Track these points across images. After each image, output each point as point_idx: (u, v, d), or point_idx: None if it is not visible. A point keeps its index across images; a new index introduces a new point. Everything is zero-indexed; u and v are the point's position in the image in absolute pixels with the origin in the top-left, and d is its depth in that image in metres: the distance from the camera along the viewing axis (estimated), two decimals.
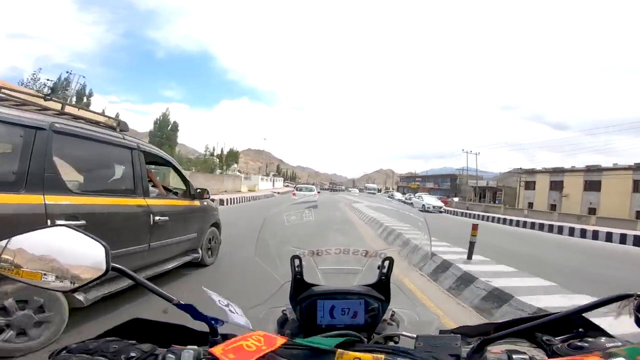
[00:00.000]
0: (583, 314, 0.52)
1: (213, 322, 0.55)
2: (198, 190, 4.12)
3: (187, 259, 3.85)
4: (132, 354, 0.49)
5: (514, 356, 0.51)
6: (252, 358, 0.44)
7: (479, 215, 23.45)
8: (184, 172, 4.27)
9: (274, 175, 66.93)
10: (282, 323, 0.79)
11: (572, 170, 32.98)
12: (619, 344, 0.47)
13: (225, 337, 0.55)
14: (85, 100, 32.02)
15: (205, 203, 4.35)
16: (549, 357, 0.51)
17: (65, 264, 0.50)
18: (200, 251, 4.12)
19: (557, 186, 33.70)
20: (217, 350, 0.45)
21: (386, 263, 0.78)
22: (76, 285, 0.50)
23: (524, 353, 0.52)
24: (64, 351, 0.49)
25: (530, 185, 36.65)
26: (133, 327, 0.57)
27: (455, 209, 28.30)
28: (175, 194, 4.16)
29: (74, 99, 29.90)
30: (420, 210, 21.75)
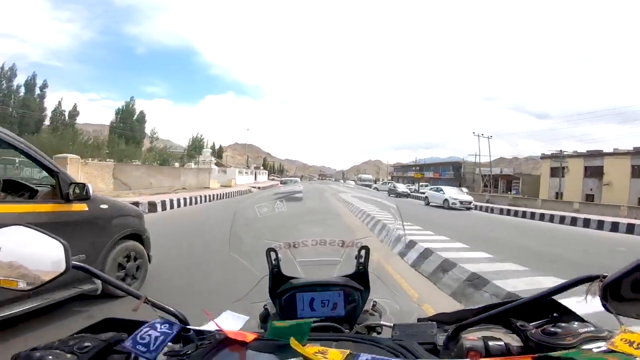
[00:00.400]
0: (555, 299, 0.56)
1: (181, 316, 0.57)
2: (74, 187, 2.61)
3: (69, 293, 2.51)
4: (92, 344, 0.49)
5: (489, 343, 0.52)
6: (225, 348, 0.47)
7: (509, 210, 17.79)
8: (50, 160, 2.59)
9: (256, 168, 63.43)
10: (264, 318, 0.78)
11: (616, 154, 27.21)
12: (592, 328, 0.49)
13: (198, 332, 0.56)
14: (39, 92, 31.15)
15: (104, 206, 2.93)
16: (523, 343, 0.52)
17: (23, 263, 0.49)
18: (97, 281, 2.61)
19: (594, 172, 27.93)
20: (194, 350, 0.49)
21: (363, 252, 0.78)
22: (36, 285, 0.50)
23: (500, 339, 0.53)
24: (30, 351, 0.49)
25: (556, 172, 30.39)
26: (105, 326, 0.57)
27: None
28: (34, 193, 2.71)
29: (23, 89, 29.51)
30: (443, 207, 17.82)
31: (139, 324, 0.56)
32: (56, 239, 0.51)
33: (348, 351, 0.44)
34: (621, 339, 0.42)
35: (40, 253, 0.50)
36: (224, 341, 0.49)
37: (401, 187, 32.80)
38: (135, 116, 35.53)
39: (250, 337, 0.49)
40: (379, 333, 0.71)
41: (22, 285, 0.49)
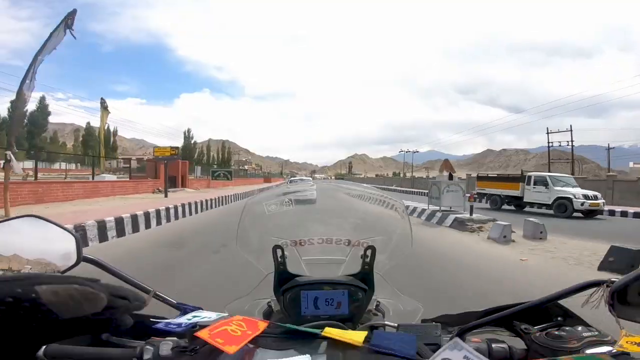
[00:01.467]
0: (561, 303, 0.58)
1: (190, 310, 0.58)
2: None
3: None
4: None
5: (493, 345, 0.55)
6: (242, 343, 0.45)
7: None
8: None
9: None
10: (267, 315, 0.81)
11: None
12: (596, 332, 0.51)
13: (205, 327, 0.55)
14: None
15: None
16: (527, 346, 0.55)
17: (34, 254, 0.49)
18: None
19: None
20: (203, 334, 0.46)
21: (369, 252, 0.79)
22: None
23: (503, 342, 0.56)
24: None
25: None
26: (112, 320, 0.55)
27: None
28: None
29: None
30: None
31: (146, 318, 0.57)
32: (68, 230, 0.52)
33: (365, 332, 0.48)
34: (627, 342, 0.43)
35: (51, 244, 0.50)
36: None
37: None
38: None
39: (262, 325, 0.49)
40: None
41: None
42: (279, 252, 0.79)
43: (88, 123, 62.34)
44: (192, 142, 72.18)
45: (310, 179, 28.07)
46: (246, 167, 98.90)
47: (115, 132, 59.21)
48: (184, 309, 0.59)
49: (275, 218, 0.88)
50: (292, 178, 31.31)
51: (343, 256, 0.84)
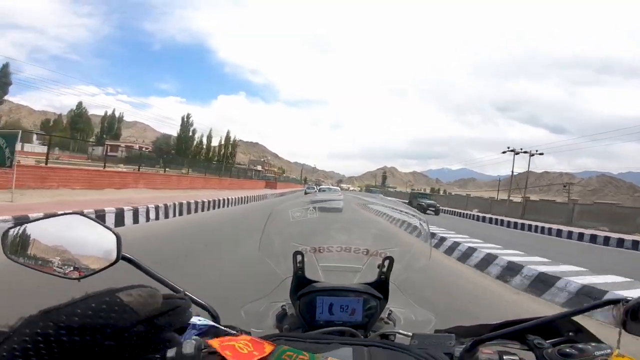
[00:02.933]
0: (574, 318, 0.59)
1: (214, 312, 0.60)
2: None
3: None
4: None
5: (504, 357, 0.55)
6: None
7: None
8: None
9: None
10: (281, 318, 0.83)
11: None
12: (608, 350, 0.51)
13: (226, 327, 0.59)
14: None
15: None
16: None
17: (76, 251, 0.53)
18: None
19: None
20: (214, 342, 0.48)
21: (386, 262, 0.81)
22: (86, 273, 0.53)
23: (515, 354, 0.57)
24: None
25: None
26: None
27: None
28: None
29: None
30: None
31: None
32: (109, 229, 0.55)
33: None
34: None
35: (93, 242, 0.53)
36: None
37: None
38: None
39: (268, 348, 0.50)
40: (392, 341, 0.73)
41: (73, 273, 0.52)
42: (299, 258, 0.82)
43: (80, 103, 56.98)
44: (191, 130, 60.73)
45: (338, 188, 28.59)
46: (258, 167, 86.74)
47: (120, 119, 54.65)
48: (207, 311, 0.62)
49: (299, 225, 0.92)
50: (321, 186, 31.45)
51: (360, 265, 0.87)
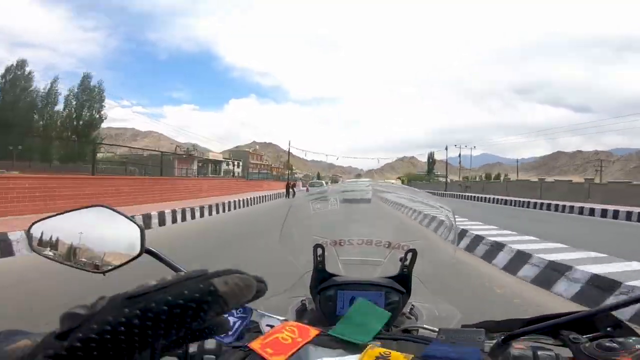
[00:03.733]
0: (612, 313, 0.55)
1: (247, 312, 0.59)
2: None
3: None
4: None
5: (539, 352, 0.51)
6: (290, 351, 0.46)
7: None
8: None
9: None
10: (301, 313, 0.82)
11: None
12: None
13: (257, 336, 0.59)
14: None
15: None
16: (574, 356, 0.51)
17: (100, 244, 0.53)
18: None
19: None
20: (255, 345, 0.48)
21: (409, 255, 0.79)
22: (110, 267, 0.53)
23: (550, 350, 0.53)
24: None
25: None
26: None
27: None
28: None
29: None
30: None
31: None
32: (133, 221, 0.55)
33: (412, 355, 0.46)
34: None
35: (117, 235, 0.53)
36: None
37: None
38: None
39: (313, 332, 0.50)
40: None
41: (98, 266, 0.53)
42: (319, 251, 0.80)
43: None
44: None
45: (368, 180, 28.00)
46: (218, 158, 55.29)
47: (102, 119, 38.11)
48: (243, 311, 0.60)
49: (319, 217, 0.91)
50: (313, 181, 30.32)
51: (381, 258, 0.85)
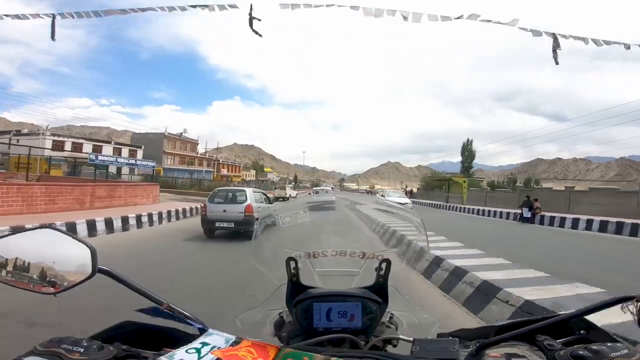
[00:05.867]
0: (585, 317, 0.57)
1: (201, 327, 0.60)
2: None
3: None
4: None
5: None
6: None
7: None
8: None
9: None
10: (279, 326, 0.81)
11: None
12: (625, 351, 0.49)
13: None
14: None
15: None
16: None
17: (50, 266, 0.53)
18: None
19: None
20: (217, 353, 0.49)
21: (383, 265, 0.81)
22: (61, 288, 0.54)
23: (524, 357, 0.55)
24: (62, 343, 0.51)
25: None
26: (123, 329, 0.60)
27: None
28: None
29: None
30: None
31: (158, 328, 0.61)
32: (83, 242, 0.55)
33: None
34: None
35: (66, 256, 0.54)
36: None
37: None
38: None
39: (272, 351, 0.50)
40: (395, 346, 0.73)
41: (47, 288, 0.53)
42: (292, 264, 0.82)
43: None
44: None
45: (329, 188, 27.14)
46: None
47: None
48: (192, 325, 0.61)
49: (289, 230, 0.92)
50: (315, 188, 28.55)
51: (357, 268, 0.87)
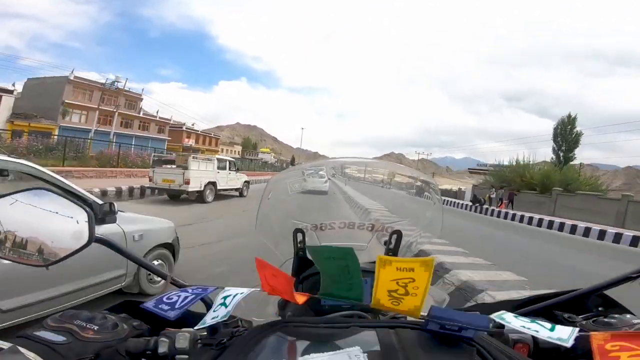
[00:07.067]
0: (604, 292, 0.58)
1: (207, 299, 0.56)
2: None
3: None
4: (125, 327, 0.50)
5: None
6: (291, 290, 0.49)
7: None
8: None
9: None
10: (283, 305, 0.79)
11: None
12: None
13: (230, 317, 0.57)
14: None
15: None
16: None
17: (43, 233, 0.48)
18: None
19: None
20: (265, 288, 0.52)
21: (393, 237, 0.78)
22: (56, 258, 0.49)
23: None
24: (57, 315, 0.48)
25: None
26: (124, 309, 0.56)
27: None
28: None
29: None
30: None
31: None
32: (80, 205, 0.50)
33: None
34: None
35: (61, 221, 0.49)
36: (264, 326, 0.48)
37: None
38: None
39: (300, 299, 0.50)
40: None
41: (39, 259, 0.48)
42: (299, 237, 0.79)
43: None
44: None
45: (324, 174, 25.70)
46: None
47: None
48: (205, 301, 0.57)
49: (298, 200, 0.88)
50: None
51: (365, 241, 0.85)
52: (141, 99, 39.27)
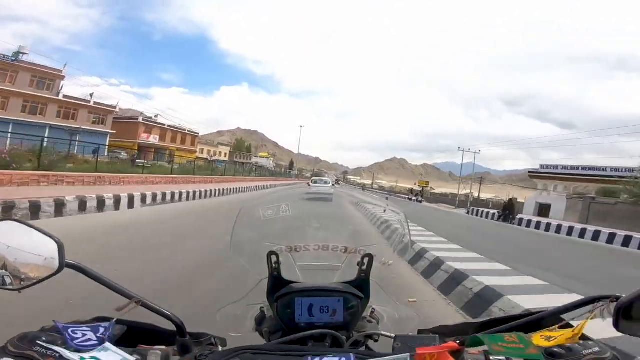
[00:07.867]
0: (561, 316, 0.61)
1: (177, 320, 0.59)
2: None
3: None
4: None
5: (491, 357, 0.54)
6: None
7: None
8: None
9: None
10: (260, 321, 0.82)
11: None
12: (596, 349, 0.52)
13: (194, 336, 0.60)
14: None
15: None
16: None
17: (14, 261, 0.51)
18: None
19: None
20: None
21: (366, 260, 0.81)
22: (26, 284, 0.52)
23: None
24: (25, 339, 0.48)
25: None
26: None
27: None
28: None
29: None
30: None
31: (133, 325, 0.60)
32: (50, 236, 0.53)
33: None
34: None
35: (33, 250, 0.52)
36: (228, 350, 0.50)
37: None
38: None
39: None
40: (376, 341, 0.76)
41: (10, 284, 0.51)
42: (274, 258, 0.81)
43: None
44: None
45: (329, 179, 26.04)
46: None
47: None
48: (169, 320, 0.60)
49: (271, 224, 0.91)
50: (314, 177, 26.31)
51: (339, 263, 0.88)
52: (61, 77, 29.20)
